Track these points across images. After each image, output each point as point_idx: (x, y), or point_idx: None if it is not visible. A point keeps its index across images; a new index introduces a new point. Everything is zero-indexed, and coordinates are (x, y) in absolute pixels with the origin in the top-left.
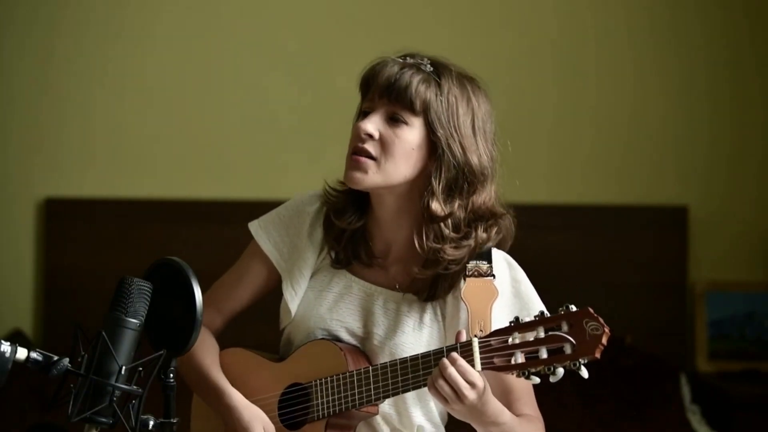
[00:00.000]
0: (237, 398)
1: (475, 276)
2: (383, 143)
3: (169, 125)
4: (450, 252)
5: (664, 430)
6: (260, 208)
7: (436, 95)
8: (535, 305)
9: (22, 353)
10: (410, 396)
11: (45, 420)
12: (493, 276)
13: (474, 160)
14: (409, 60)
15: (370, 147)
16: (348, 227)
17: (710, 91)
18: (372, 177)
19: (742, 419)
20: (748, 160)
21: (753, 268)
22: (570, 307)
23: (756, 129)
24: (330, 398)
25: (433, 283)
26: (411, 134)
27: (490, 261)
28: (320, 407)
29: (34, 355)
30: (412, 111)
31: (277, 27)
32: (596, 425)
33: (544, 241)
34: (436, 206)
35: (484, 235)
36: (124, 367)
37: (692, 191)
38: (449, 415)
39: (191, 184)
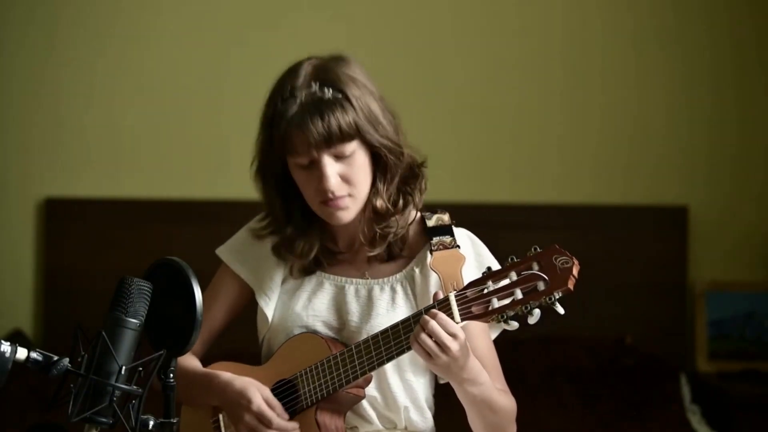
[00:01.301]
0: (225, 375)
1: (441, 249)
2: (347, 179)
3: (168, 125)
4: (393, 224)
5: (664, 430)
6: (260, 208)
7: (355, 110)
8: None
9: (22, 353)
10: (393, 378)
11: (45, 420)
12: (458, 246)
13: (393, 137)
14: (312, 93)
15: (342, 190)
16: (304, 257)
17: (713, 92)
18: (353, 209)
19: (742, 419)
20: (749, 160)
21: (753, 268)
22: (537, 248)
23: (757, 130)
24: (316, 384)
25: (388, 251)
26: (359, 156)
27: (452, 235)
28: (308, 395)
29: (34, 355)
30: (350, 140)
31: (276, 26)
32: (596, 425)
33: (545, 240)
34: (381, 203)
35: (416, 195)
36: (124, 367)
37: (693, 192)
38: (435, 400)
39: (191, 184)
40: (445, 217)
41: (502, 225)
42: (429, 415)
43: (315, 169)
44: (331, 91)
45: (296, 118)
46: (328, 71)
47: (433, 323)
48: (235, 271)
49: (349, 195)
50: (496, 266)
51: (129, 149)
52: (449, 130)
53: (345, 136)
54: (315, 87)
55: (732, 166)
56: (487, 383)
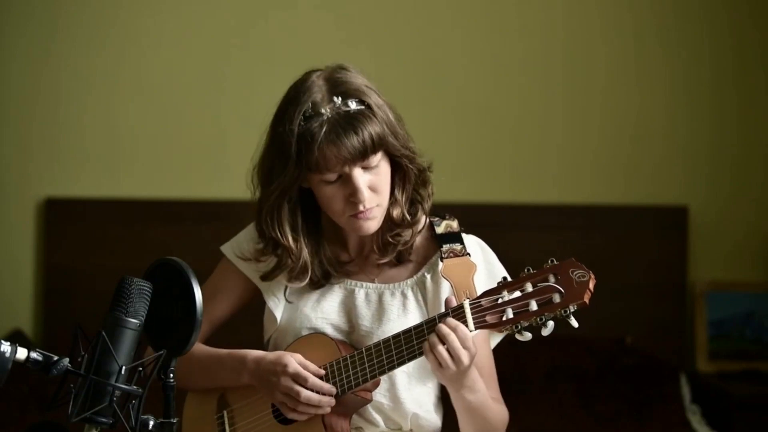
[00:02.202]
0: (256, 351)
1: (451, 257)
2: (375, 189)
3: (169, 125)
4: (406, 234)
5: (664, 430)
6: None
7: (379, 121)
8: None
9: (22, 353)
10: (402, 385)
11: (45, 420)
12: (468, 254)
13: (409, 144)
14: (337, 108)
15: (372, 201)
16: (316, 279)
17: (713, 92)
18: (379, 218)
19: (742, 419)
20: (749, 160)
21: (753, 268)
22: (554, 260)
23: (758, 130)
24: None
25: (397, 256)
26: (383, 166)
27: (462, 242)
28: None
29: (34, 355)
30: (379, 151)
31: (276, 26)
32: (596, 425)
33: (545, 240)
34: (398, 213)
35: (426, 202)
36: (124, 367)
37: (693, 192)
38: (444, 404)
39: (190, 184)
40: (454, 224)
41: (502, 225)
42: (436, 417)
43: (344, 182)
44: (355, 103)
45: (330, 135)
46: (343, 83)
47: (453, 337)
48: (242, 270)
49: (377, 205)
50: (505, 274)
51: (128, 149)
52: (449, 130)
53: (376, 148)
54: (338, 101)
55: (732, 166)
56: (482, 390)
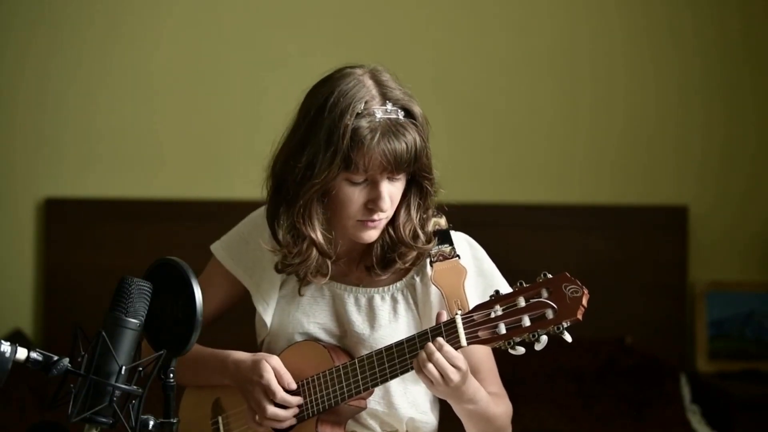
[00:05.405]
0: (238, 354)
1: (441, 260)
2: (393, 201)
3: (169, 125)
4: (410, 255)
5: (664, 430)
6: (258, 207)
7: (421, 138)
8: (498, 282)
9: (22, 353)
10: (396, 390)
11: (45, 420)
12: (458, 256)
13: (431, 163)
14: (389, 113)
15: (389, 211)
16: (321, 274)
17: (718, 93)
18: (382, 228)
19: (742, 419)
20: (750, 160)
21: (753, 268)
22: (547, 274)
23: (760, 130)
24: (318, 395)
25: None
26: (403, 181)
27: (451, 243)
28: (310, 406)
29: (34, 355)
30: (412, 166)
31: (277, 27)
32: (596, 425)
33: (543, 241)
34: (410, 229)
35: (429, 223)
36: (124, 367)
37: (693, 191)
38: (440, 406)
39: (191, 184)
40: (442, 221)
41: (502, 225)
42: (432, 417)
43: (369, 187)
44: (403, 113)
45: (381, 139)
46: (392, 89)
47: (438, 356)
48: (231, 271)
49: (387, 216)
50: (495, 272)
51: (129, 149)
52: (450, 130)
53: (414, 162)
54: (390, 107)
55: (733, 166)
56: (484, 399)
